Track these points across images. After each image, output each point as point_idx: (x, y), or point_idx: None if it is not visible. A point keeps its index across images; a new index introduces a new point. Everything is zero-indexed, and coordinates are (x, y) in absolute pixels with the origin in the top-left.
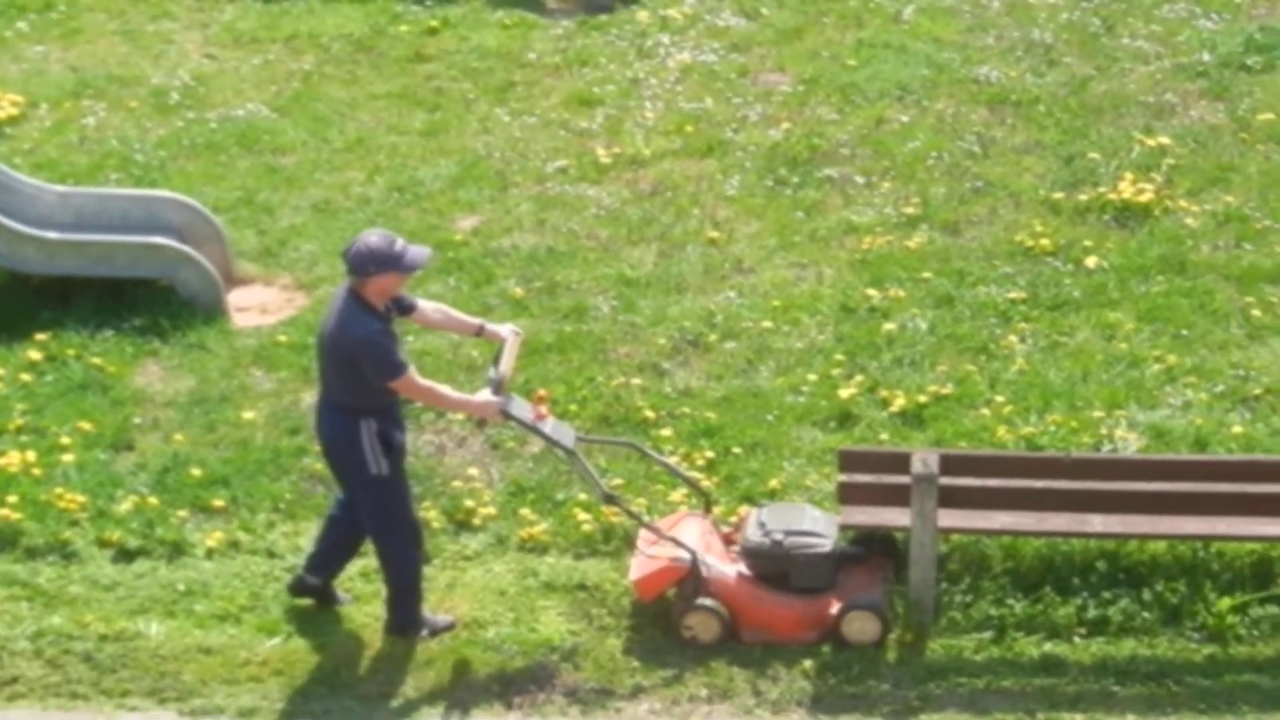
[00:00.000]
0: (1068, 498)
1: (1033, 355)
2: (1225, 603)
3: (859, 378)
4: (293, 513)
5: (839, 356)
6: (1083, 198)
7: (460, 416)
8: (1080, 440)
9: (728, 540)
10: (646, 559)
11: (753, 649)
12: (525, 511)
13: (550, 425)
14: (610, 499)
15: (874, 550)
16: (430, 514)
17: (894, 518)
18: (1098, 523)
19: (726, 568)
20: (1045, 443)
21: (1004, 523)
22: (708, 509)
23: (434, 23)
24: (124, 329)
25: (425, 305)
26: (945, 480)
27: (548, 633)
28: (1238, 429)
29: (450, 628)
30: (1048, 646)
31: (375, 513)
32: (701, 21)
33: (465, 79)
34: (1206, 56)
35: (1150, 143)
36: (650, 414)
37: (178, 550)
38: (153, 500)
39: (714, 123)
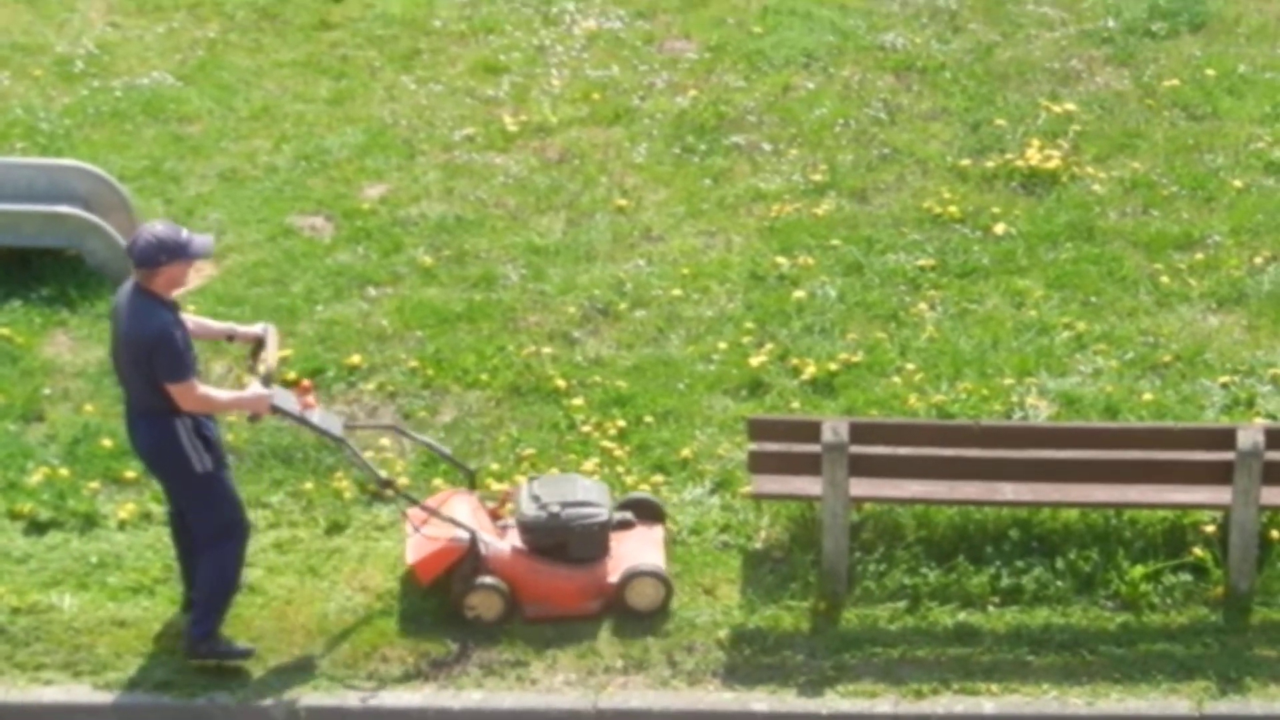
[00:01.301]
0: (979, 466)
1: (942, 323)
2: (1138, 571)
3: (769, 346)
4: None
5: (749, 324)
6: (990, 164)
7: (371, 386)
8: (991, 408)
9: (494, 516)
10: (423, 540)
11: (666, 617)
12: (438, 481)
13: (318, 415)
14: (386, 484)
15: (643, 516)
16: (342, 484)
17: (805, 486)
18: (1009, 491)
19: (502, 544)
20: (956, 411)
21: (916, 491)
22: (472, 486)
23: None
24: (31, 299)
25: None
26: (856, 449)
27: None
28: (1148, 396)
29: (246, 655)
30: (962, 616)
31: (205, 513)
32: None
33: (370, 46)
34: (1111, 23)
35: (1056, 109)
36: (561, 383)
37: (90, 522)
38: (64, 472)
39: (621, 90)
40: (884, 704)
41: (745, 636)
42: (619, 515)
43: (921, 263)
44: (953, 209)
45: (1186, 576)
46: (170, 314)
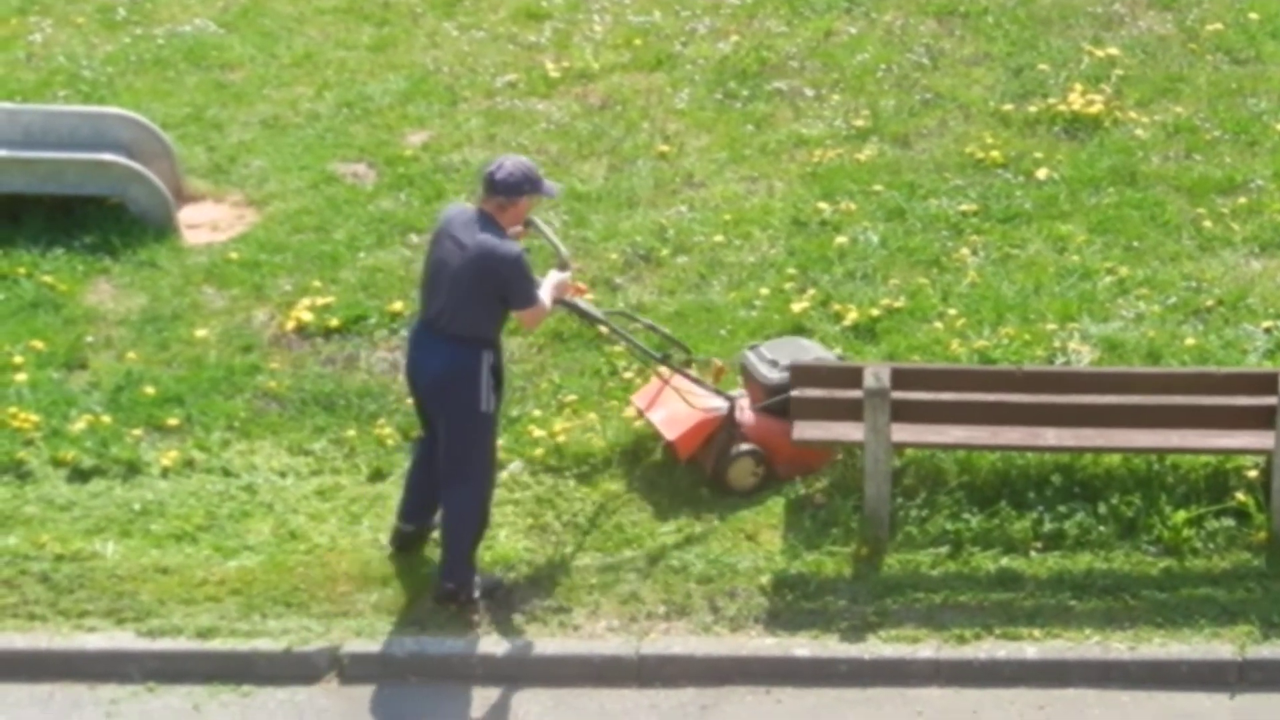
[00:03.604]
0: (1021, 411)
1: (984, 268)
2: (1180, 516)
3: (811, 291)
4: (247, 431)
5: (791, 270)
6: (1032, 109)
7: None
8: (1033, 353)
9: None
10: (676, 416)
11: (708, 563)
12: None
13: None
14: (667, 355)
15: None
16: (385, 430)
17: (847, 432)
18: (1051, 436)
19: (745, 412)
20: (998, 356)
21: (958, 437)
22: (688, 362)
23: None
24: (74, 247)
25: None
26: (898, 394)
27: (505, 550)
28: (1190, 341)
29: (500, 585)
30: (1004, 561)
31: (469, 451)
32: None
33: None
34: None
35: (1099, 54)
36: (603, 329)
37: (133, 469)
38: (106, 419)
39: (662, 36)
40: (926, 649)
41: (787, 582)
42: None
43: (964, 208)
44: (995, 154)
45: (1229, 521)
46: (519, 246)
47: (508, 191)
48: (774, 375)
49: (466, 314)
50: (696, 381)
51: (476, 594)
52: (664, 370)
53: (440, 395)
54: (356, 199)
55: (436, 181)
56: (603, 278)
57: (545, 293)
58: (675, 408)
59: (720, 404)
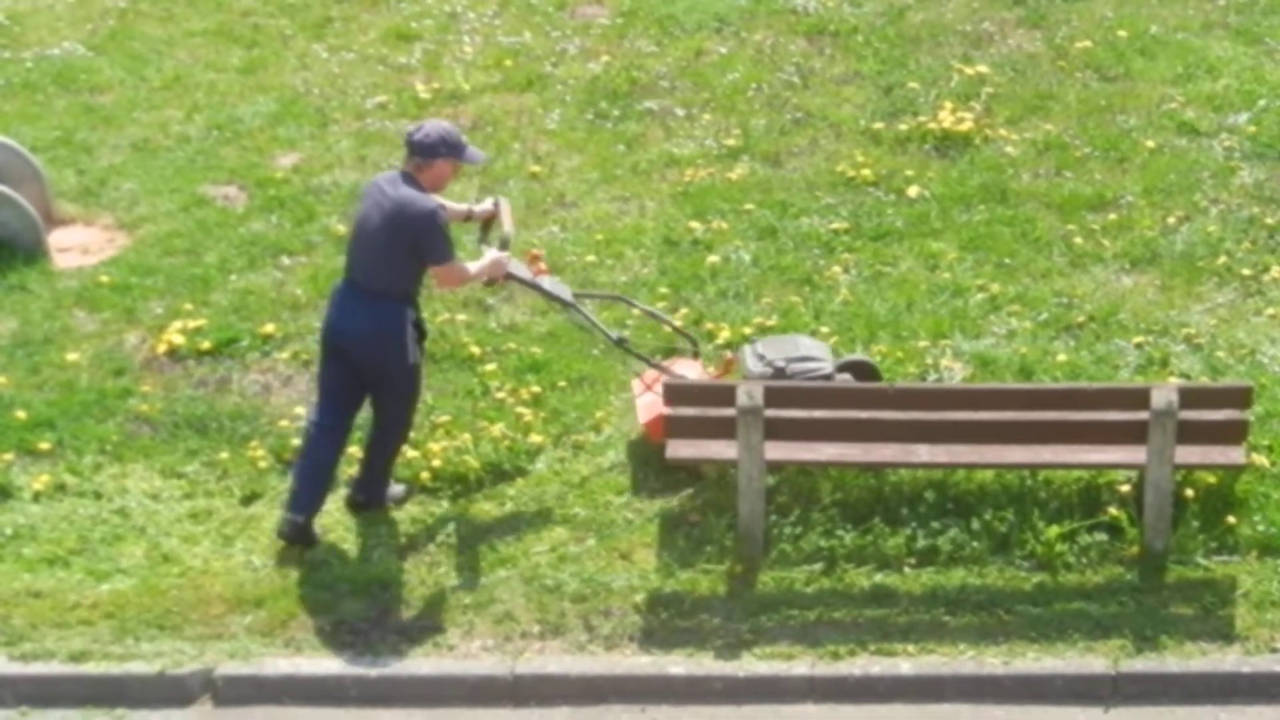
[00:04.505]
0: (894, 428)
1: (856, 285)
2: (1053, 531)
3: (684, 310)
4: (119, 454)
5: (663, 289)
6: (903, 127)
7: (285, 355)
8: (906, 370)
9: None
10: (654, 401)
11: (582, 582)
12: (353, 449)
13: (549, 281)
14: (620, 342)
15: (859, 374)
16: (258, 453)
17: (721, 450)
18: (924, 453)
19: None
20: None
21: (831, 454)
22: (695, 354)
23: None
24: None
25: None
26: (771, 412)
27: (378, 570)
28: (1062, 357)
29: (408, 495)
30: (878, 577)
31: (404, 397)
32: None
33: (282, 15)
34: None
35: (969, 71)
36: (475, 350)
37: (4, 493)
38: None
39: (533, 56)
40: (800, 666)
41: (661, 600)
42: (839, 376)
43: (835, 226)
44: (866, 172)
45: (1102, 536)
46: (436, 202)
47: (424, 153)
48: (756, 369)
49: (385, 269)
50: (659, 367)
51: (390, 501)
52: (645, 361)
53: (370, 355)
54: (227, 221)
55: (307, 203)
56: (474, 298)
57: (477, 265)
58: (652, 396)
59: None
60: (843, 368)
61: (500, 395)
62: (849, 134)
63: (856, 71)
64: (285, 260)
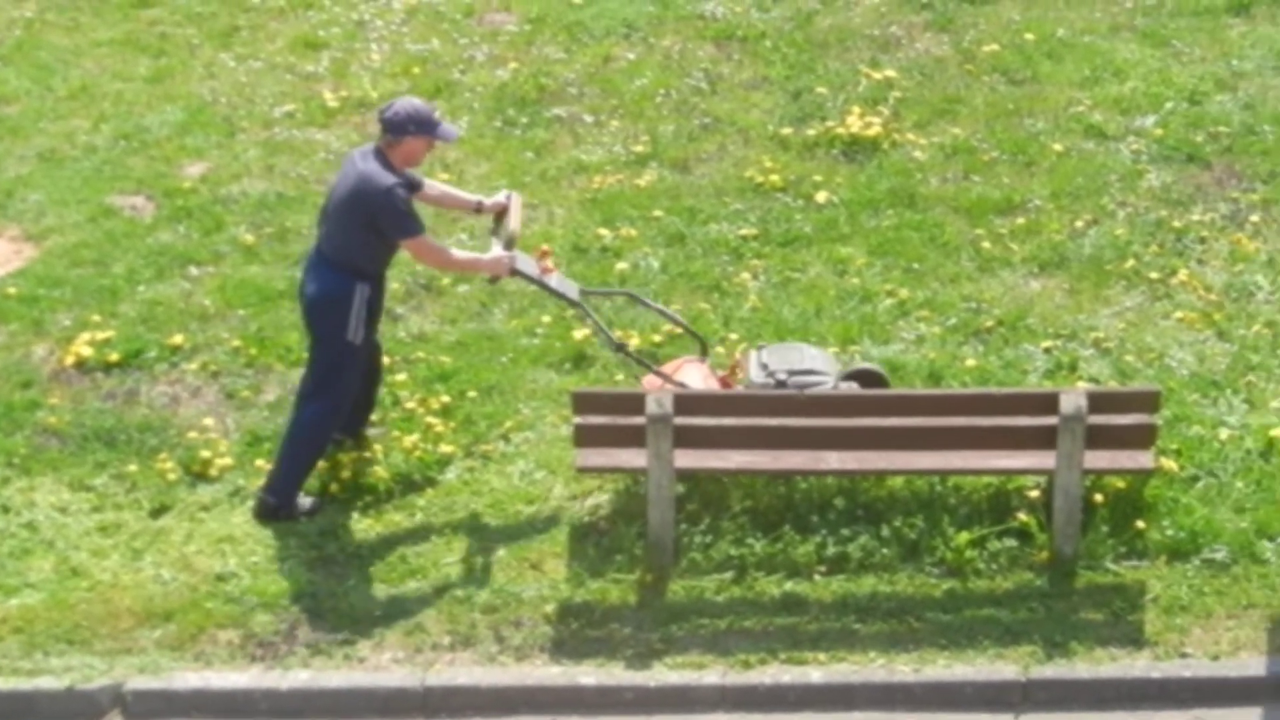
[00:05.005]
0: (804, 435)
1: (765, 292)
2: (963, 537)
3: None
4: (27, 467)
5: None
6: (811, 133)
7: (194, 365)
8: (738, 380)
9: (724, 384)
10: None
11: (493, 592)
12: (261, 462)
13: (555, 279)
14: (620, 348)
15: (865, 383)
16: (167, 465)
17: (630, 459)
18: (834, 459)
19: None
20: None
21: (740, 462)
22: (704, 354)
23: None
24: None
25: (428, 183)
26: (680, 420)
27: (288, 583)
28: (971, 362)
29: (317, 509)
30: (788, 585)
31: (331, 374)
32: None
33: (189, 24)
34: None
35: (877, 76)
36: (385, 359)
37: None
38: None
39: (441, 64)
40: (711, 675)
41: (572, 610)
42: (844, 385)
43: (744, 232)
44: (774, 178)
45: (1011, 542)
46: (399, 177)
47: (392, 130)
48: (758, 379)
49: (343, 241)
50: (658, 373)
51: (300, 513)
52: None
53: (312, 316)
54: (135, 232)
55: (215, 213)
56: (387, 307)
57: (471, 255)
58: None
59: None
60: (849, 377)
61: (410, 405)
62: (757, 139)
63: (764, 77)
64: (193, 270)
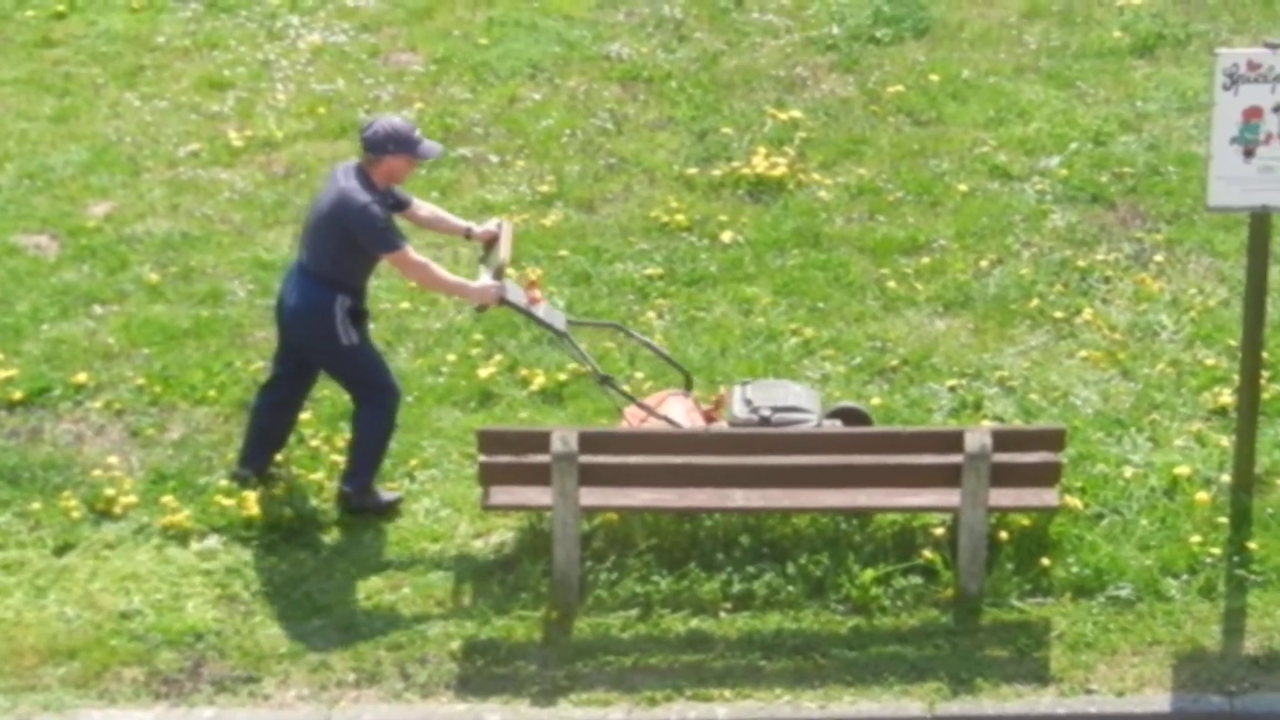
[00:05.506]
0: (709, 473)
1: (671, 331)
2: (868, 574)
3: (498, 357)
4: None
5: (477, 336)
6: (717, 173)
7: (98, 404)
8: (722, 414)
9: (708, 418)
10: None
11: (398, 629)
12: (167, 499)
13: (543, 310)
14: (605, 380)
15: (850, 422)
16: (71, 503)
17: (536, 497)
18: (740, 497)
19: None
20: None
21: (646, 500)
22: (688, 388)
23: (61, 7)
24: None
25: (417, 203)
26: (586, 458)
27: (193, 620)
28: (876, 400)
29: (397, 502)
30: (694, 622)
31: (355, 378)
32: (331, 2)
33: (94, 63)
34: (836, 30)
35: (782, 117)
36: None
37: None
38: None
39: (346, 104)
40: (617, 712)
41: (478, 647)
42: (827, 423)
43: (649, 271)
44: (680, 218)
45: (917, 579)
46: (377, 194)
47: (371, 149)
48: (742, 415)
49: (321, 253)
50: (643, 406)
51: (382, 505)
52: (608, 389)
53: (297, 331)
54: (39, 271)
55: (120, 252)
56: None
57: (460, 280)
58: None
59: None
60: (833, 414)
61: (314, 443)
62: (663, 180)
63: (670, 117)
64: (97, 309)
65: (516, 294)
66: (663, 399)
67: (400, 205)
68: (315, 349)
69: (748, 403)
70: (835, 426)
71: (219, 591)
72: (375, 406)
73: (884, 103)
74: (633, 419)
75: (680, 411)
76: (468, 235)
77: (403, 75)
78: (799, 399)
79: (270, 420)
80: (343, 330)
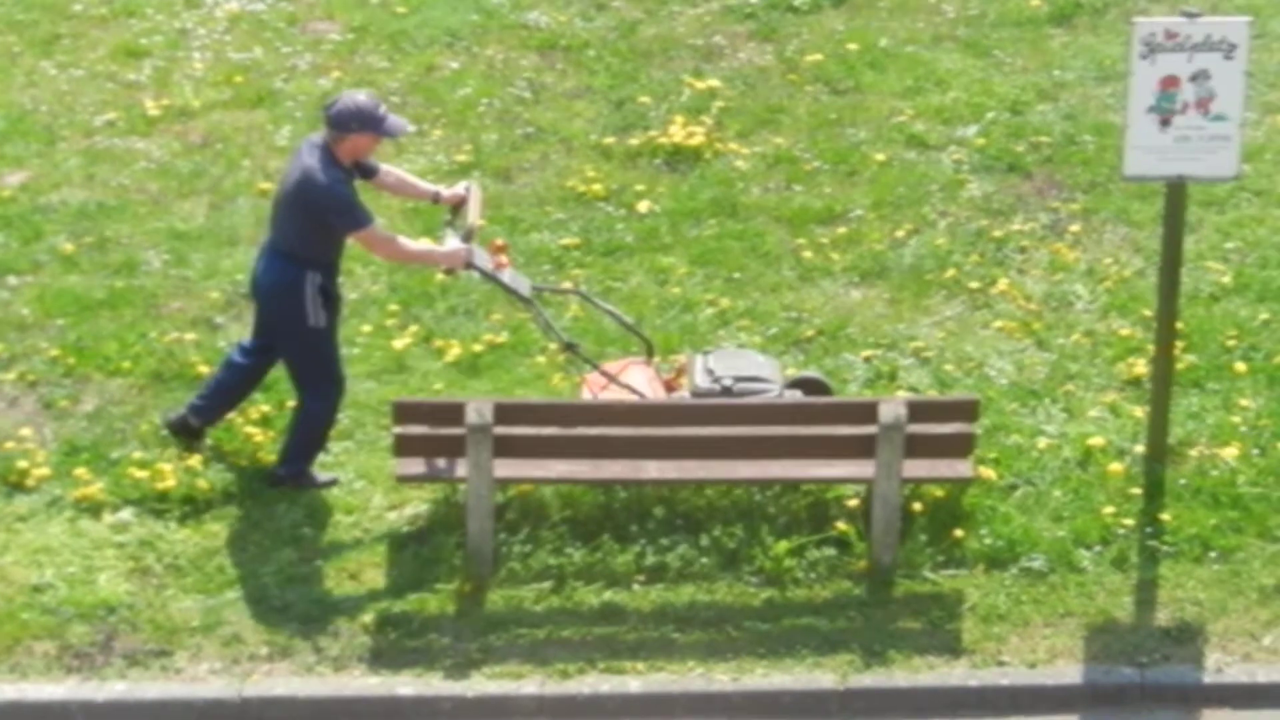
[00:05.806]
0: (623, 444)
1: (587, 302)
2: (782, 546)
3: (413, 328)
4: None
5: (393, 307)
6: (634, 142)
7: (11, 375)
8: (683, 383)
9: (669, 387)
10: None
11: (311, 603)
12: (80, 471)
13: (508, 275)
14: (569, 347)
15: (812, 394)
16: None
17: (450, 469)
18: (653, 469)
19: None
20: None
21: (560, 471)
22: (650, 356)
23: None
24: None
25: (385, 169)
26: (500, 430)
27: (105, 594)
28: (791, 371)
29: (332, 483)
30: (607, 594)
31: (306, 362)
32: None
33: (10, 32)
34: None
35: (700, 86)
36: (204, 369)
37: None
38: None
39: (263, 72)
40: (530, 685)
41: (390, 620)
42: (788, 393)
43: (566, 241)
44: (597, 187)
45: (830, 551)
46: (341, 172)
47: (335, 126)
48: (703, 384)
49: (290, 232)
50: (605, 374)
51: (317, 483)
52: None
53: (267, 307)
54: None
55: (35, 222)
56: (203, 317)
57: (426, 246)
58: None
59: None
60: (793, 384)
61: (231, 415)
62: (580, 149)
63: (588, 86)
64: (12, 280)
65: (483, 258)
66: (624, 367)
67: (368, 173)
68: (281, 328)
69: (709, 372)
70: (795, 396)
71: (131, 564)
72: (320, 398)
73: (802, 71)
74: (594, 386)
75: (642, 380)
76: (435, 200)
77: (320, 44)
78: (760, 369)
79: (237, 379)
80: (312, 310)
